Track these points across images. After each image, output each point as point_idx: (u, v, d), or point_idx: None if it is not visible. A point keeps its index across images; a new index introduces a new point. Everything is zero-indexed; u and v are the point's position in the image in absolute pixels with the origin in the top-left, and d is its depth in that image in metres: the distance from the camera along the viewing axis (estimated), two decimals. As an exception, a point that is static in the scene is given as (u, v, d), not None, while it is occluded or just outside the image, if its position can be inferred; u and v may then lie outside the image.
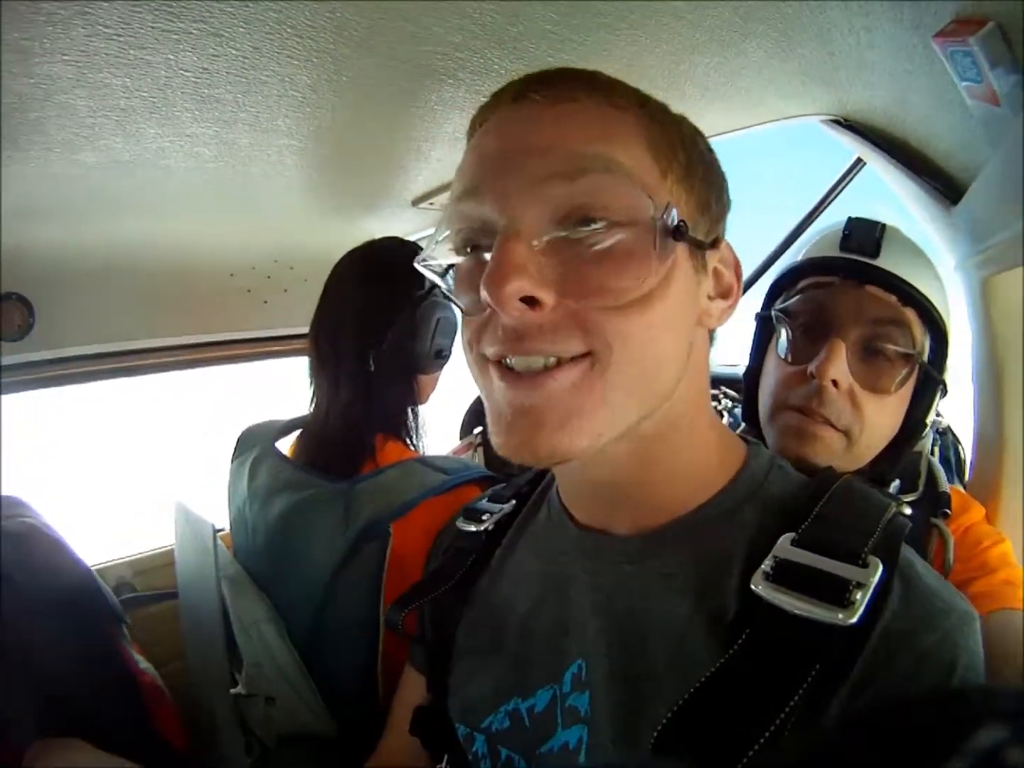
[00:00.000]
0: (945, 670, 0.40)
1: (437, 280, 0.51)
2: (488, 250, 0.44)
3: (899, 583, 0.43)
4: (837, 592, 0.41)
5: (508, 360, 0.44)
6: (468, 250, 0.48)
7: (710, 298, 0.50)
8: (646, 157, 0.45)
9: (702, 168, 0.49)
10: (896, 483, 0.82)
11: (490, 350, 0.45)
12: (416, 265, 0.51)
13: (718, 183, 0.52)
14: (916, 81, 0.74)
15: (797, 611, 0.41)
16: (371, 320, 1.00)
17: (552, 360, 0.43)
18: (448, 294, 0.51)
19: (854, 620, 0.40)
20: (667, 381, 0.47)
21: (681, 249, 0.45)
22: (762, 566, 0.44)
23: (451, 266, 0.51)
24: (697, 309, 0.49)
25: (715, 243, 0.50)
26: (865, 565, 0.42)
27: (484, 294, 0.41)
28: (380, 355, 0.99)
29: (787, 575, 0.43)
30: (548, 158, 0.43)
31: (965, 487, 1.00)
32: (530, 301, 0.42)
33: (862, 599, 0.40)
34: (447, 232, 0.49)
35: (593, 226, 0.43)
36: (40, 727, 0.86)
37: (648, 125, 0.46)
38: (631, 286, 0.42)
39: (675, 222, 0.43)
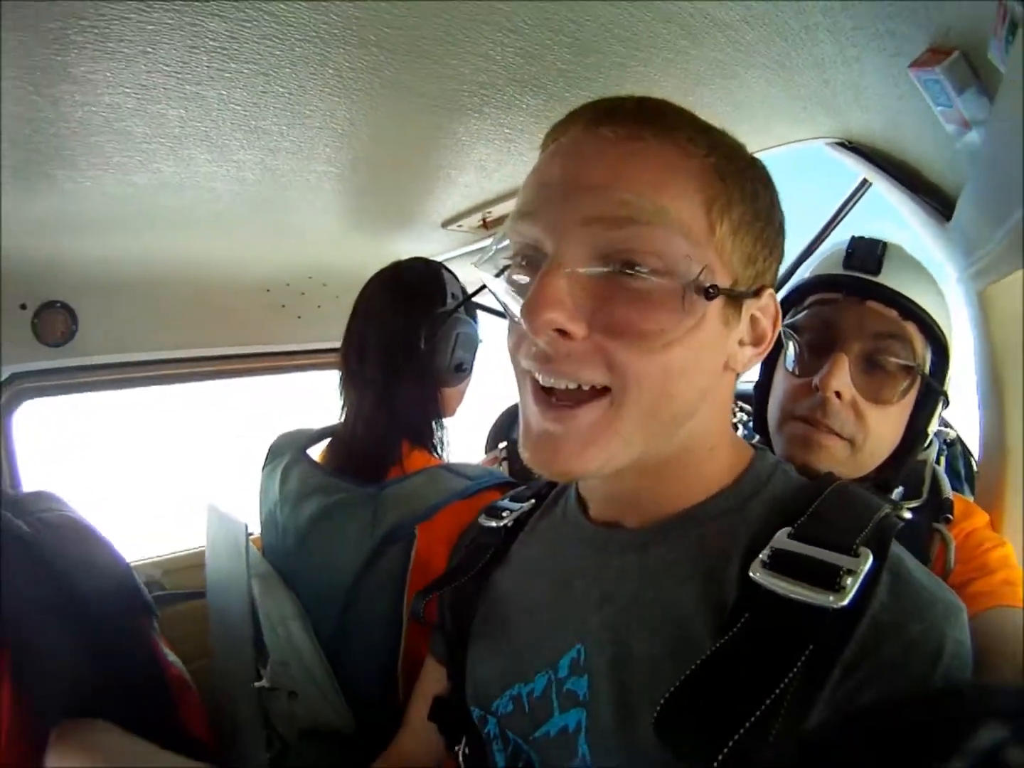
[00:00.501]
0: (931, 658, 0.41)
1: (491, 282, 0.54)
2: (537, 267, 0.48)
3: (888, 576, 0.45)
4: (829, 578, 0.43)
5: (536, 376, 0.49)
6: (522, 262, 0.51)
7: (741, 344, 0.52)
8: (698, 210, 0.46)
9: (757, 222, 0.50)
10: (900, 490, 0.84)
11: (524, 363, 0.50)
12: (474, 266, 0.55)
13: (772, 236, 0.52)
14: (906, 106, 0.78)
15: (791, 595, 0.43)
16: (396, 336, 1.05)
17: (574, 385, 0.47)
18: (497, 298, 0.54)
19: (845, 603, 0.42)
20: (678, 417, 0.50)
21: (713, 304, 0.47)
22: (760, 555, 0.47)
23: (506, 267, 0.54)
24: (724, 355, 0.51)
25: (759, 291, 0.51)
26: (856, 555, 0.45)
27: (521, 320, 0.46)
28: (404, 368, 1.04)
29: (783, 563, 0.46)
30: (597, 201, 0.45)
31: (975, 497, 1.01)
32: (562, 331, 0.46)
33: (852, 584, 0.42)
34: (506, 242, 0.52)
35: (631, 271, 0.45)
36: (70, 710, 0.89)
37: (710, 176, 0.47)
38: (655, 332, 0.45)
39: (707, 284, 0.45)
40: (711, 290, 0.45)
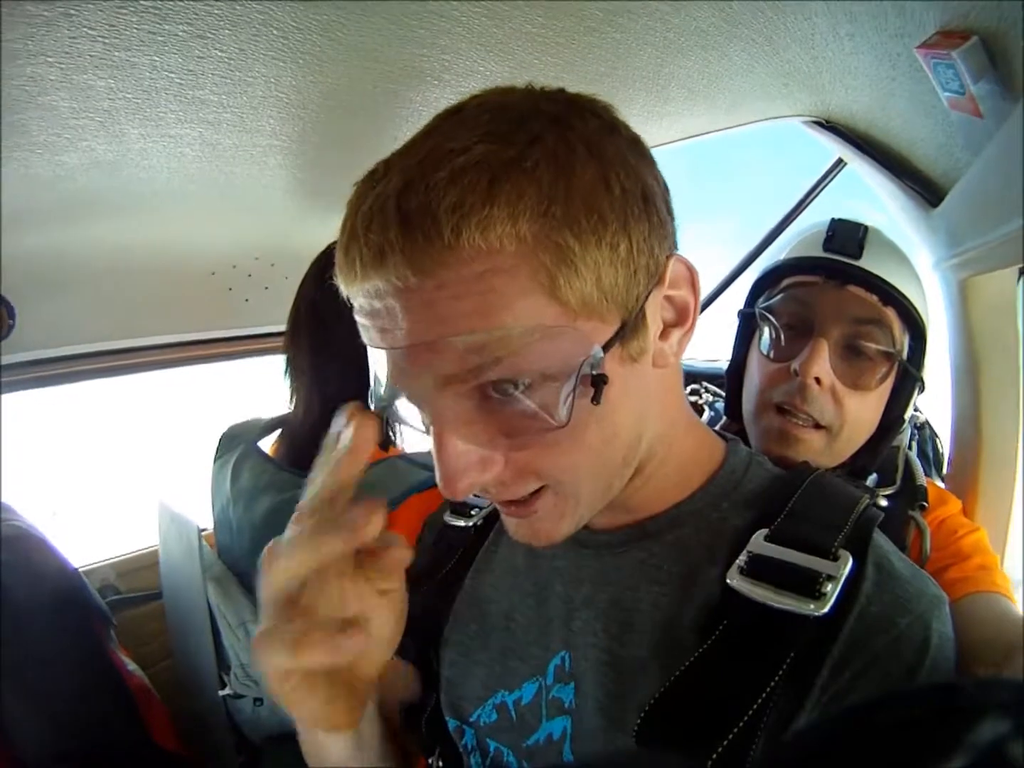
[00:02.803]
0: (918, 650, 0.42)
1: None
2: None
3: (873, 570, 0.45)
4: (808, 585, 0.43)
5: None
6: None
7: (664, 337, 0.46)
8: (542, 300, 0.39)
9: (607, 241, 0.40)
10: (874, 477, 0.84)
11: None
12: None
13: (657, 216, 0.44)
14: (899, 87, 0.75)
15: (771, 603, 0.43)
16: (320, 313, 1.00)
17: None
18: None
19: (825, 610, 0.41)
20: (631, 451, 0.47)
21: (609, 359, 0.41)
22: (737, 561, 0.46)
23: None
24: (645, 372, 0.46)
25: (660, 279, 0.44)
26: (836, 558, 0.44)
27: (441, 487, 0.43)
28: (330, 347, 0.99)
29: (761, 569, 0.45)
30: (434, 365, 0.39)
31: (943, 480, 1.02)
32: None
33: (832, 590, 0.42)
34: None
35: (508, 393, 0.40)
36: (36, 735, 0.86)
37: (542, 250, 0.38)
38: (563, 433, 0.41)
39: (593, 372, 0.40)
40: (599, 377, 0.40)
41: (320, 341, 1.00)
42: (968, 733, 0.23)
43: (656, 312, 0.45)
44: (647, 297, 0.43)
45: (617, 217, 0.41)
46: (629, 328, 0.42)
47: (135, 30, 0.61)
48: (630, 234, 0.41)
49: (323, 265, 1.05)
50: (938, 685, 0.40)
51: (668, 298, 0.46)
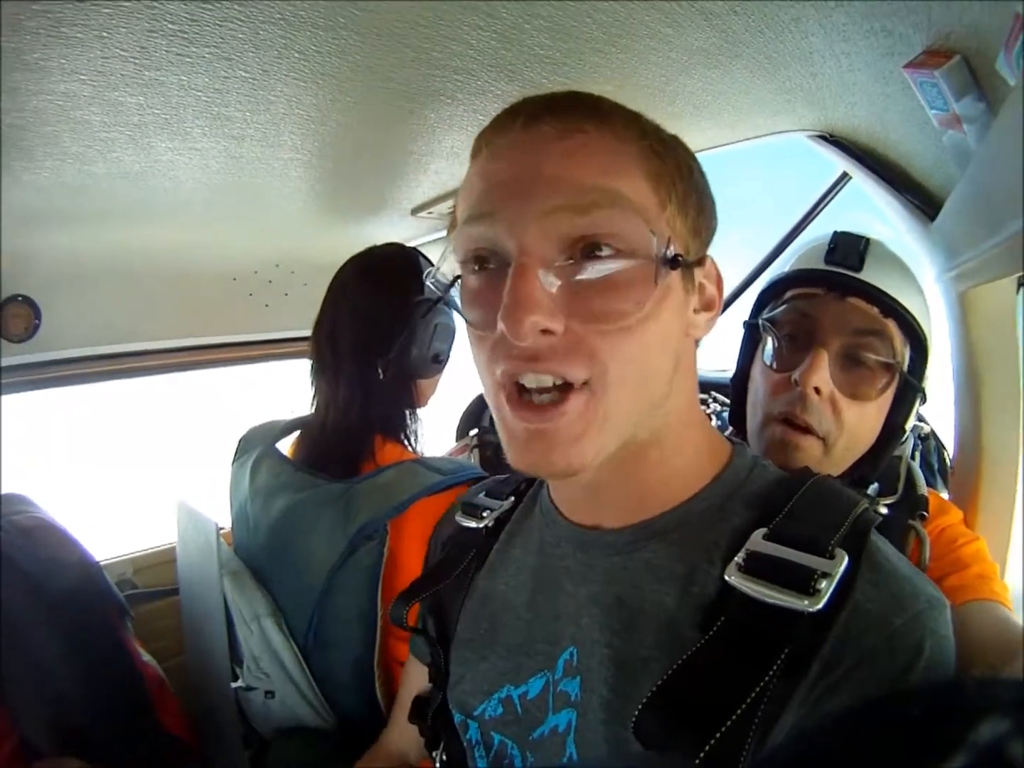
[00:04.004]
0: (913, 651, 0.42)
1: (442, 294, 0.54)
2: (498, 269, 0.48)
3: (869, 568, 0.45)
4: (804, 581, 0.44)
5: (520, 379, 0.47)
6: (476, 267, 0.50)
7: (696, 311, 0.53)
8: (647, 190, 0.48)
9: (695, 195, 0.52)
10: (875, 486, 0.84)
11: (500, 369, 0.48)
12: (426, 281, 0.54)
13: (708, 206, 0.55)
14: (894, 104, 0.77)
15: (766, 599, 0.44)
16: (370, 324, 1.02)
17: (559, 381, 0.46)
18: (457, 308, 0.53)
19: (819, 607, 0.42)
20: (659, 391, 0.50)
21: (674, 274, 0.49)
22: (735, 558, 0.47)
23: (457, 278, 0.53)
24: (684, 323, 0.52)
25: (701, 260, 0.53)
26: (831, 557, 0.45)
27: (502, 325, 0.45)
28: (379, 359, 1.01)
29: (758, 566, 0.46)
30: (558, 191, 0.45)
31: (948, 490, 1.02)
32: (544, 330, 0.45)
33: (827, 587, 0.43)
34: (455, 252, 0.51)
35: (599, 256, 0.46)
36: (47, 716, 0.88)
37: (649, 157, 0.49)
38: (631, 311, 0.46)
39: (673, 254, 0.46)
40: (677, 259, 0.47)
41: (371, 352, 1.01)
42: (968, 733, 0.24)
43: (696, 286, 0.53)
44: (697, 262, 0.52)
45: (700, 190, 0.53)
46: (688, 265, 0.51)
47: (164, 52, 0.64)
48: (704, 207, 0.53)
49: (362, 268, 1.08)
50: (938, 685, 0.41)
51: (701, 286, 0.54)
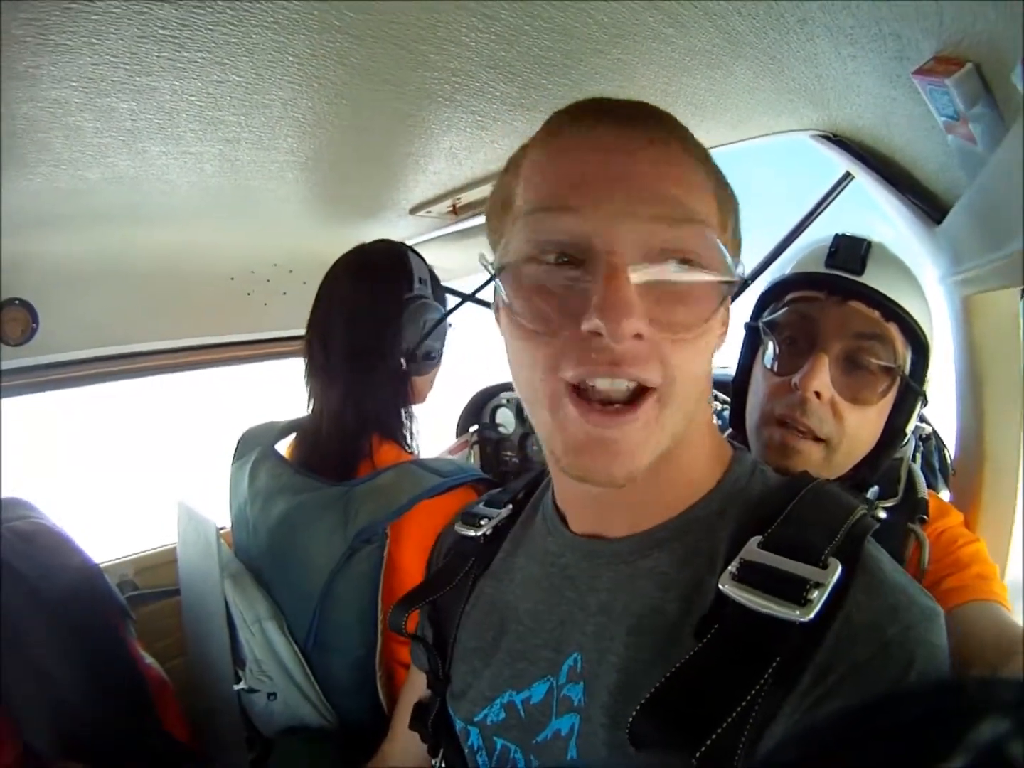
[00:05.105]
0: (905, 662, 0.42)
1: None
2: (578, 266, 0.46)
3: (863, 577, 0.46)
4: (795, 591, 0.44)
5: (591, 382, 0.46)
6: (553, 259, 0.47)
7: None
8: (716, 210, 0.50)
9: (735, 218, 0.54)
10: (875, 489, 0.84)
11: (571, 371, 0.46)
12: (484, 265, 0.52)
13: (740, 223, 0.56)
14: (899, 107, 0.76)
15: (758, 608, 0.44)
16: (360, 322, 1.02)
17: (632, 385, 0.46)
18: (509, 303, 0.50)
19: (810, 617, 0.42)
20: (696, 404, 0.52)
21: None
22: (730, 567, 0.47)
23: (503, 268, 0.50)
24: (715, 338, 0.54)
25: None
26: (825, 566, 0.45)
27: (595, 323, 0.43)
28: (371, 357, 1.01)
29: (752, 575, 0.46)
30: (657, 199, 0.46)
31: (950, 489, 1.02)
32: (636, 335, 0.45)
33: (819, 598, 0.43)
34: (519, 239, 0.49)
35: (685, 267, 0.47)
36: (49, 723, 0.89)
37: (714, 180, 0.51)
38: (697, 324, 0.48)
39: (743, 276, 0.49)
40: (736, 284, 0.49)
41: (363, 351, 1.01)
42: (968, 733, 0.24)
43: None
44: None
45: (737, 214, 0.55)
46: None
47: (156, 57, 0.63)
48: (736, 231, 0.55)
49: (352, 266, 1.07)
50: (939, 685, 0.41)
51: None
